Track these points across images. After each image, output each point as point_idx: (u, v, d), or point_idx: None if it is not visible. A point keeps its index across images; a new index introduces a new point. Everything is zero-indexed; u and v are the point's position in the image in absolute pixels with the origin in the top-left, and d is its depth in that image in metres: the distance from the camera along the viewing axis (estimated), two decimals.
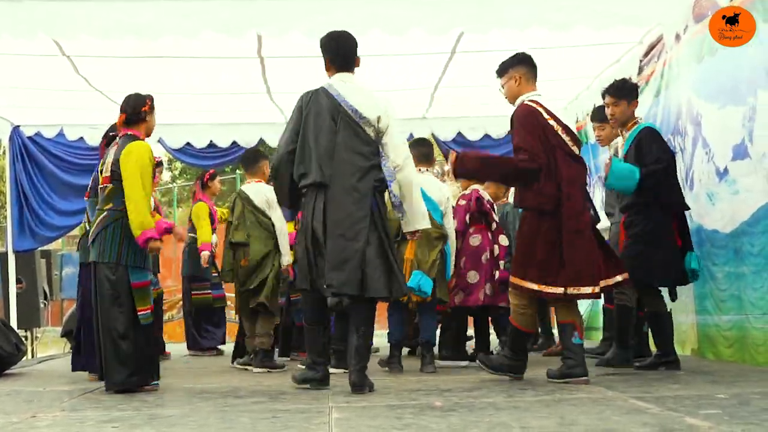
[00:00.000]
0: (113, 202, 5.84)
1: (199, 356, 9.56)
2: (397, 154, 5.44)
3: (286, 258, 7.40)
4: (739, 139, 6.44)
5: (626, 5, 7.00)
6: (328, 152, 5.34)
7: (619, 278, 5.75)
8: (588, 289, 5.55)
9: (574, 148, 5.68)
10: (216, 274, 9.35)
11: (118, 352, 5.72)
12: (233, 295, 7.80)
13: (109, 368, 5.75)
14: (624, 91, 6.50)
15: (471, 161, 5.91)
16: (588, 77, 9.30)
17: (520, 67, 5.87)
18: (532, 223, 5.64)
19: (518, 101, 5.81)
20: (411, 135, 10.81)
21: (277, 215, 7.34)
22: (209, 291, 9.58)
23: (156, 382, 5.93)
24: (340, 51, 5.57)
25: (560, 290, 5.52)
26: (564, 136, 5.64)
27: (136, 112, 6.03)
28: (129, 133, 5.99)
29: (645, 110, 8.00)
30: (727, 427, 3.64)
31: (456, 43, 7.89)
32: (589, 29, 7.19)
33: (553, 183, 5.55)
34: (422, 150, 7.11)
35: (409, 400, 4.90)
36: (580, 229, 5.57)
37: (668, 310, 6.45)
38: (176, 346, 10.31)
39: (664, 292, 6.49)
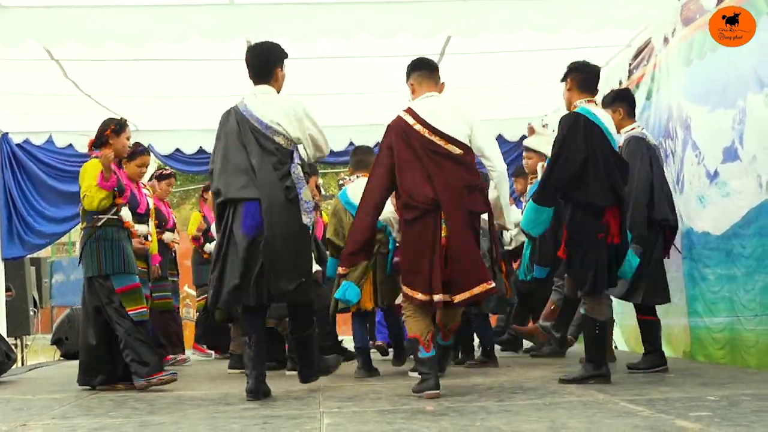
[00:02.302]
0: (86, 220, 6.37)
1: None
2: (312, 158, 5.50)
3: None
4: (729, 141, 6.45)
5: (614, 8, 7.00)
6: (236, 169, 5.37)
7: (457, 297, 5.20)
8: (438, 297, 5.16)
9: (449, 147, 5.29)
10: None
11: (96, 354, 6.31)
12: None
13: (86, 369, 6.35)
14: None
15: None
16: None
17: (413, 73, 5.63)
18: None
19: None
20: None
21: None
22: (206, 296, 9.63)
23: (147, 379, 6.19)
24: (250, 63, 5.62)
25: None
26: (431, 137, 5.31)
27: (100, 136, 6.47)
28: (93, 155, 6.44)
29: (636, 113, 8.00)
30: (717, 429, 3.64)
31: (444, 45, 7.89)
32: (577, 32, 7.20)
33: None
34: (358, 157, 7.18)
35: (401, 405, 4.89)
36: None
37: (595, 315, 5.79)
38: None
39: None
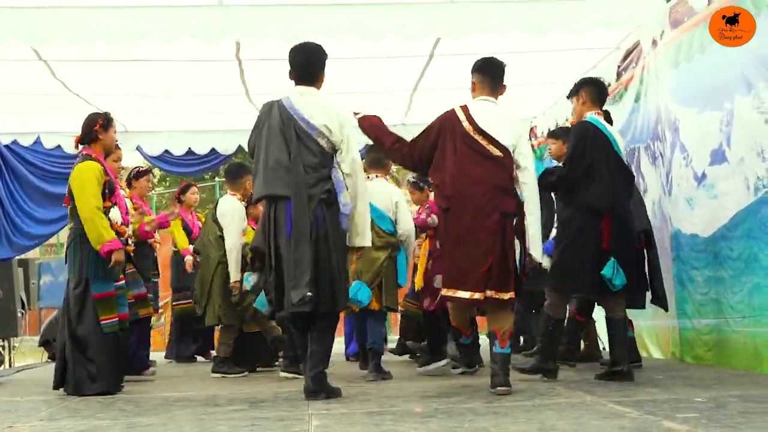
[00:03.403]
0: (74, 220, 6.18)
1: (180, 365, 9.59)
2: (347, 164, 5.42)
3: (233, 274, 7.42)
4: (716, 143, 6.47)
5: (603, 11, 7.01)
6: (277, 165, 5.33)
7: (504, 296, 5.29)
8: (465, 294, 5.30)
9: (491, 148, 5.42)
10: None
11: (80, 360, 6.05)
12: None
13: (72, 376, 6.06)
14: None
15: (367, 127, 5.79)
16: (566, 82, 9.29)
17: (474, 74, 5.83)
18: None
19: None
20: None
21: (228, 231, 7.48)
22: (190, 300, 9.56)
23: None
24: (296, 63, 5.55)
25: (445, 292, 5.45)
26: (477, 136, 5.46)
27: (89, 132, 6.30)
28: (84, 152, 6.28)
29: (625, 116, 8.04)
30: (704, 431, 3.65)
31: (434, 47, 7.88)
32: (567, 34, 7.20)
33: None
34: (376, 155, 6.99)
35: (389, 406, 4.89)
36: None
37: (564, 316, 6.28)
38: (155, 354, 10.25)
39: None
